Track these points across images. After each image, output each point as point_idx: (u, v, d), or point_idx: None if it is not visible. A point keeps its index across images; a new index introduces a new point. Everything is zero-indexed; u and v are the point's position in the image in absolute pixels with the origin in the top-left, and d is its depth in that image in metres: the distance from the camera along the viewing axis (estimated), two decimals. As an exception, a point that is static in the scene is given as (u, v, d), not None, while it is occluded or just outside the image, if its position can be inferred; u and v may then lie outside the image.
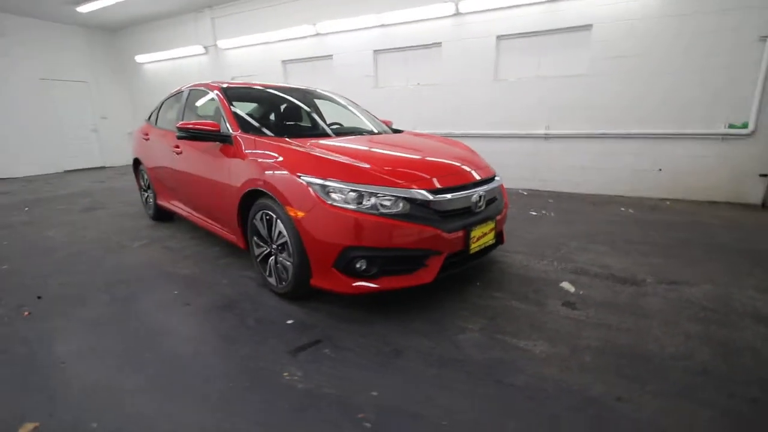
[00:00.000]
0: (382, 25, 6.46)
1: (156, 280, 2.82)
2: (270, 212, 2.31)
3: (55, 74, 8.84)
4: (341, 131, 3.22)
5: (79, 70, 9.29)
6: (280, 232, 2.27)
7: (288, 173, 2.16)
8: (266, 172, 2.30)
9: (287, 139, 2.56)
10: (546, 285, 2.63)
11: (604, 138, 5.36)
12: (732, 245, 3.35)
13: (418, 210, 2.09)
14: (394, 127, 3.70)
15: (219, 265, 3.07)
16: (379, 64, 6.78)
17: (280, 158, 2.27)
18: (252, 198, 2.50)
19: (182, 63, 9.02)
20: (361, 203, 2.02)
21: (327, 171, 2.11)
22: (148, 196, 4.37)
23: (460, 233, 2.18)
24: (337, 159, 2.20)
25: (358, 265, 2.03)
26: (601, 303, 2.37)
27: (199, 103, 3.47)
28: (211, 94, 3.19)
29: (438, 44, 6.17)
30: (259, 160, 2.39)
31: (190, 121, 2.76)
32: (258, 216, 2.43)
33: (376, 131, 3.32)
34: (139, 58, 9.51)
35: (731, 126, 4.70)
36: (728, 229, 3.81)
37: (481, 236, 2.34)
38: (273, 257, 2.43)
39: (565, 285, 2.63)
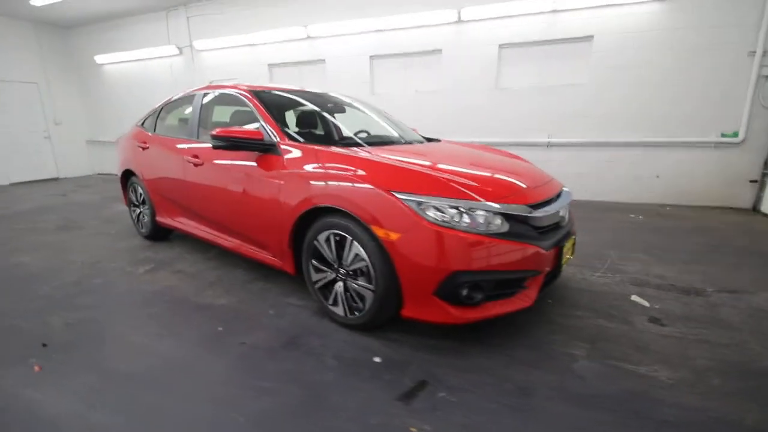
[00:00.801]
0: (379, 30, 6.27)
1: (189, 313, 2.41)
2: (342, 233, 2.03)
3: (-2, 74, 7.79)
4: (382, 140, 2.96)
5: (27, 69, 8.25)
6: (356, 255, 2.00)
7: (374, 188, 1.90)
8: (340, 187, 2.02)
9: (356, 148, 2.31)
10: (617, 299, 2.54)
11: (604, 146, 5.50)
12: (755, 249, 3.49)
13: (517, 227, 1.91)
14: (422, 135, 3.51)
15: (254, 292, 2.70)
16: (376, 71, 6.58)
17: (360, 171, 2.00)
18: (310, 217, 2.20)
19: (151, 65, 8.29)
20: (465, 221, 1.81)
21: (424, 186, 1.88)
22: (141, 212, 3.85)
23: (554, 250, 2.02)
24: (430, 173, 1.97)
25: (464, 292, 1.80)
26: (683, 317, 2.31)
27: (220, 107, 3.08)
28: (237, 98, 2.84)
29: (438, 51, 6.09)
30: (329, 173, 2.10)
31: (231, 129, 2.41)
32: (322, 237, 2.13)
33: (417, 140, 3.12)
34: (100, 59, 8.62)
35: (723, 135, 4.98)
36: (740, 233, 3.99)
37: (567, 252, 2.20)
38: (340, 284, 2.14)
39: (636, 299, 2.56)
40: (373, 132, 3.32)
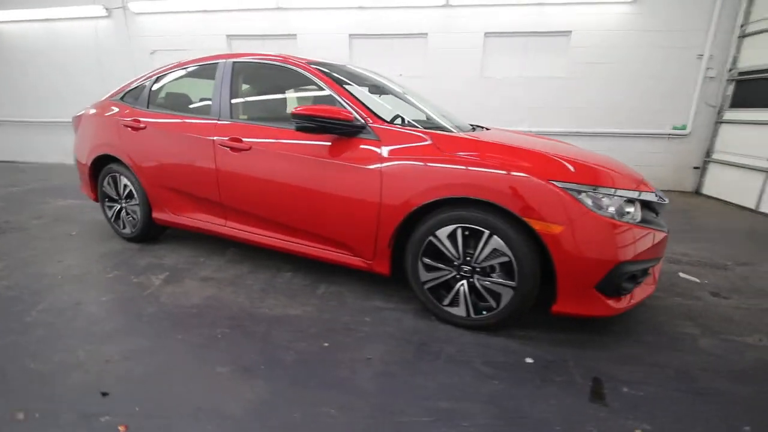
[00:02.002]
0: (361, 8, 5.90)
1: (268, 330, 2.00)
2: (475, 226, 1.83)
3: None
4: (437, 127, 2.72)
5: None
6: (494, 251, 1.82)
7: (530, 177, 1.73)
8: (483, 175, 1.80)
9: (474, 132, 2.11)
10: (669, 277, 2.74)
11: (579, 136, 5.93)
12: (725, 227, 4.08)
13: (646, 214, 1.92)
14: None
15: (324, 297, 2.35)
16: (356, 51, 6.19)
17: (506, 158, 1.81)
18: (421, 211, 1.95)
19: (64, 27, 6.73)
20: (623, 210, 1.75)
21: (577, 175, 1.76)
22: (125, 209, 3.11)
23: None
24: (577, 160, 1.85)
25: (623, 283, 1.76)
26: (732, 289, 2.57)
27: (258, 81, 2.58)
28: (292, 71, 2.40)
29: (424, 35, 5.93)
30: (461, 159, 1.86)
31: (315, 107, 2.01)
32: (444, 233, 1.90)
33: (467, 128, 2.95)
34: (-15, 14, 6.76)
35: (674, 128, 5.71)
36: (707, 214, 4.63)
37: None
38: (464, 282, 1.94)
39: (684, 275, 2.79)
40: (414, 116, 3.08)
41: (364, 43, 6.14)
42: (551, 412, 1.48)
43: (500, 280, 1.85)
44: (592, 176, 1.78)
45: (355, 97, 2.21)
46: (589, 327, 2.04)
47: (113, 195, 3.15)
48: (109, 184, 3.13)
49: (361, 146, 2.07)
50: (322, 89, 2.29)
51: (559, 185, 1.70)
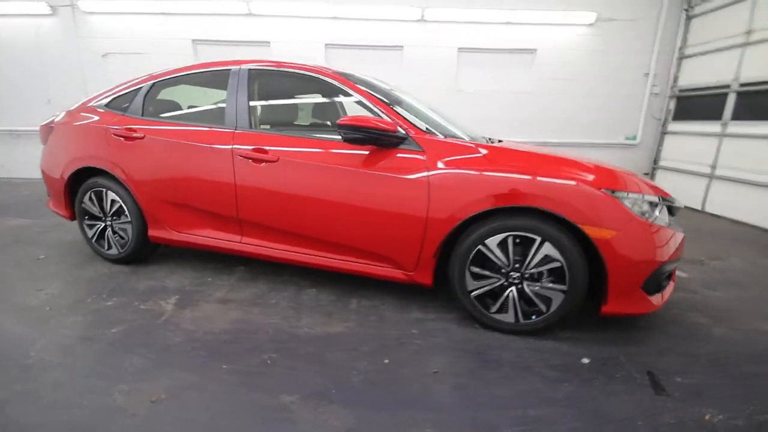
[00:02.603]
0: (336, 18, 5.87)
1: (316, 351, 1.89)
2: (527, 234, 1.89)
3: None
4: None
5: None
6: (546, 257, 1.89)
7: (582, 185, 1.82)
8: (537, 184, 1.86)
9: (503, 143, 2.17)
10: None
11: (544, 146, 6.35)
12: (685, 226, 4.57)
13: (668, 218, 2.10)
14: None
15: (362, 312, 2.28)
16: (331, 61, 6.14)
17: (554, 167, 1.89)
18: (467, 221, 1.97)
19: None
20: (655, 215, 1.90)
21: (619, 182, 1.89)
22: (111, 228, 2.79)
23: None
24: (613, 170, 1.98)
25: (662, 282, 1.90)
26: (718, 282, 2.88)
27: (288, 90, 2.52)
28: (319, 80, 2.34)
29: (399, 47, 6.04)
30: (515, 168, 1.92)
31: (361, 117, 1.96)
32: (494, 241, 1.94)
33: (483, 138, 3.04)
34: None
35: (627, 138, 6.33)
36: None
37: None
38: (513, 289, 1.99)
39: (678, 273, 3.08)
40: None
41: (340, 53, 6.11)
42: (627, 408, 1.55)
43: (552, 285, 1.92)
44: (631, 184, 1.92)
45: (393, 109, 2.19)
46: (620, 325, 2.18)
47: (96, 212, 2.81)
48: (91, 200, 2.79)
49: (404, 157, 2.05)
50: (358, 100, 2.25)
51: (609, 193, 1.82)
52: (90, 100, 2.91)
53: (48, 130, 2.95)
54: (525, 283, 1.97)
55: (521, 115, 6.20)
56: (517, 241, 1.92)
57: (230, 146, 2.34)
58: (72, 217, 2.97)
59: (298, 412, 1.49)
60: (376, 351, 1.90)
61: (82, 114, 2.84)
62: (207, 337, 1.98)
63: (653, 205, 1.93)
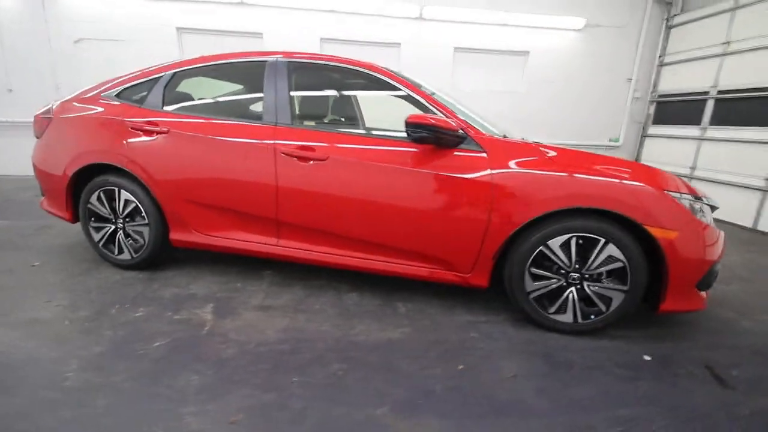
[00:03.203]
0: (333, 11, 5.72)
1: (384, 358, 1.81)
2: (591, 235, 1.90)
3: None
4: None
5: None
6: (609, 257, 1.91)
7: (648, 187, 1.86)
8: (606, 186, 1.89)
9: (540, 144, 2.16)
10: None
11: (536, 146, 6.54)
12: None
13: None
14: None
15: (412, 316, 2.21)
16: (327, 55, 5.97)
17: (615, 168, 1.92)
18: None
19: (-56, -2, 5.28)
20: (705, 216, 1.98)
21: (673, 184, 1.95)
22: (121, 229, 2.54)
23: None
24: (662, 171, 2.04)
25: (713, 279, 1.99)
26: (726, 278, 3.07)
27: (333, 85, 2.42)
28: (367, 75, 2.26)
29: (397, 45, 5.98)
30: (580, 169, 1.94)
31: (428, 116, 1.91)
32: (556, 243, 1.94)
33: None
34: None
35: (611, 140, 6.64)
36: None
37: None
38: (572, 290, 2.00)
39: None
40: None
41: (335, 47, 5.95)
42: (704, 403, 1.61)
43: (612, 285, 1.95)
44: (682, 185, 1.99)
45: (450, 108, 2.15)
46: (663, 322, 2.26)
47: (105, 214, 2.55)
48: (99, 200, 2.53)
49: (465, 156, 2.02)
50: (413, 98, 2.19)
51: (672, 194, 1.87)
52: (92, 90, 2.64)
53: (44, 121, 2.64)
54: (585, 284, 1.99)
55: (515, 116, 6.32)
56: (580, 242, 1.94)
57: (272, 142, 2.19)
58: (73, 220, 2.68)
59: (395, 426, 1.41)
60: (445, 357, 1.84)
61: (87, 105, 2.56)
62: (262, 348, 1.84)
63: (702, 205, 2.01)
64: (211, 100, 2.57)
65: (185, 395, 1.51)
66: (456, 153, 2.03)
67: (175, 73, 2.49)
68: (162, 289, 2.40)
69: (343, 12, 5.72)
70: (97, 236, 2.61)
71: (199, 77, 2.53)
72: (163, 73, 2.50)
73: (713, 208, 2.17)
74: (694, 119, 5.46)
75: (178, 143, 2.34)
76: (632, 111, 6.48)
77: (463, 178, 1.99)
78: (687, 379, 1.76)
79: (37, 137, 2.70)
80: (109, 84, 2.60)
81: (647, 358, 1.91)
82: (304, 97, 2.52)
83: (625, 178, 1.90)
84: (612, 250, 1.90)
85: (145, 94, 2.50)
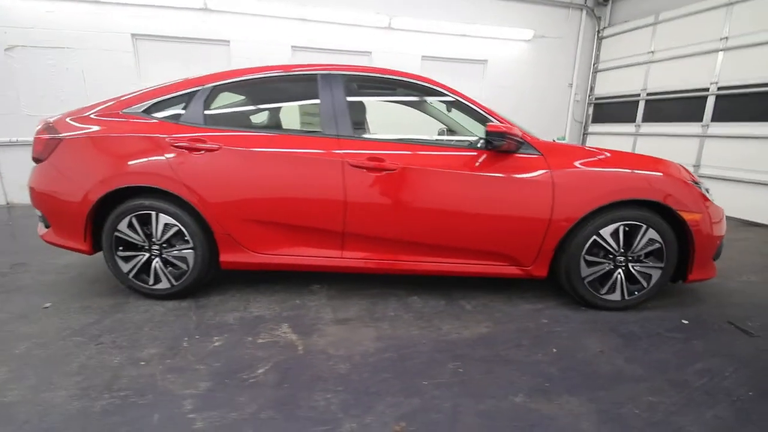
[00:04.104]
0: (304, 20, 5.66)
1: (489, 352, 1.94)
2: (636, 222, 2.23)
3: None
4: None
5: None
6: (650, 240, 2.26)
7: (675, 178, 2.24)
8: (644, 178, 2.23)
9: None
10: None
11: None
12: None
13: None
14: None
15: (482, 311, 2.37)
16: (299, 64, 5.87)
17: (644, 163, 2.29)
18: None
19: None
20: (712, 197, 2.42)
21: (684, 173, 2.35)
22: (157, 257, 2.33)
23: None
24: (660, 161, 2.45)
25: (720, 251, 2.43)
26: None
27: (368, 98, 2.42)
28: (423, 87, 2.43)
29: (368, 53, 6.09)
30: (619, 164, 2.26)
31: (503, 125, 2.08)
32: (607, 231, 2.24)
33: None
34: None
35: (558, 138, 7.39)
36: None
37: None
38: (620, 271, 2.32)
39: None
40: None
41: (306, 55, 5.89)
42: (746, 349, 1.99)
43: (652, 263, 2.30)
44: (692, 174, 2.41)
45: (502, 116, 2.34)
46: (673, 293, 2.67)
47: (138, 241, 2.32)
48: (130, 226, 2.29)
49: (527, 159, 2.23)
50: (466, 106, 2.35)
51: (691, 182, 2.27)
52: (105, 106, 2.39)
53: (51, 142, 2.32)
54: (630, 265, 2.31)
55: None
56: (626, 229, 2.26)
57: (339, 152, 2.20)
58: (91, 251, 2.39)
59: (542, 408, 1.55)
60: (537, 343, 2.03)
61: (109, 122, 2.31)
62: (371, 359, 1.86)
63: (706, 188, 2.45)
64: (258, 114, 2.48)
65: (335, 414, 1.50)
66: (518, 156, 2.23)
67: (214, 86, 2.36)
68: (220, 315, 2.26)
69: (314, 21, 5.69)
70: (126, 266, 2.36)
71: (238, 90, 2.43)
72: (199, 87, 2.35)
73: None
74: (629, 117, 6.37)
75: (232, 160, 2.23)
76: (574, 112, 7.33)
77: (528, 178, 2.21)
78: (722, 334, 2.15)
79: (39, 160, 2.36)
80: (129, 99, 2.37)
81: (685, 322, 2.28)
82: (360, 108, 2.54)
83: (664, 172, 2.26)
84: (652, 234, 2.25)
85: (180, 109, 2.34)
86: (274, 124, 2.60)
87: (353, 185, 2.21)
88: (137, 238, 2.32)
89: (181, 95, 2.36)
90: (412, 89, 2.57)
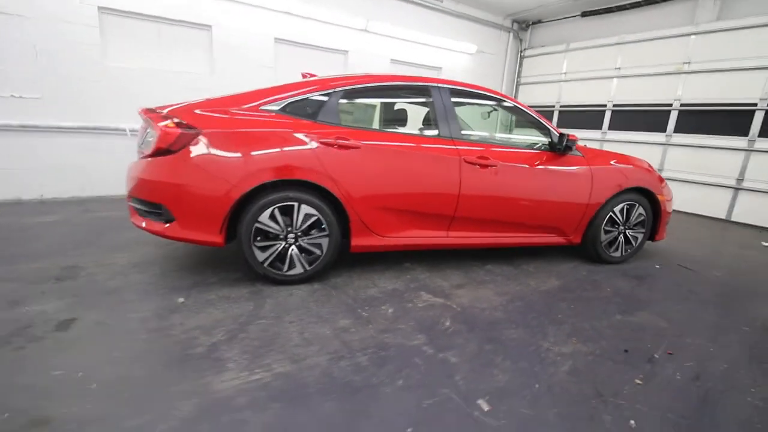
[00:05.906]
0: (289, 13, 5.70)
1: (595, 294, 2.76)
2: (634, 202, 3.31)
3: None
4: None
5: None
6: (640, 214, 3.37)
7: (650, 170, 3.39)
8: (638, 171, 3.30)
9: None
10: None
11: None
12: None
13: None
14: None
15: (542, 271, 3.18)
16: (280, 57, 5.87)
17: (632, 161, 3.38)
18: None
19: None
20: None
21: (644, 163, 3.55)
22: (292, 245, 2.54)
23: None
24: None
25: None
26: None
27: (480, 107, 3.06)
28: (497, 99, 3.08)
29: (345, 52, 6.40)
30: (623, 162, 3.28)
31: (570, 134, 2.88)
32: (618, 208, 3.27)
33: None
34: None
35: (490, 138, 8.84)
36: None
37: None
38: (622, 236, 3.39)
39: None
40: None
41: (288, 48, 5.93)
42: (701, 279, 3.22)
43: (641, 230, 3.43)
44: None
45: (553, 124, 3.18)
46: (644, 252, 3.93)
47: (277, 231, 2.49)
48: (272, 217, 2.46)
49: (575, 158, 3.11)
50: (532, 119, 3.10)
51: (657, 171, 3.45)
52: (243, 101, 2.48)
53: (187, 136, 2.30)
54: (628, 231, 3.41)
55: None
56: (627, 207, 3.32)
57: (456, 151, 2.74)
58: (223, 244, 2.46)
59: (634, 321, 2.42)
60: (597, 287, 2.92)
61: (251, 118, 2.41)
62: (510, 306, 2.49)
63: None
64: (383, 117, 2.81)
65: (531, 340, 2.12)
66: (570, 156, 3.09)
67: (347, 90, 2.64)
68: (362, 291, 2.60)
69: (298, 15, 5.76)
70: (262, 255, 2.50)
71: (366, 95, 2.76)
72: (333, 89, 2.61)
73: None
74: (547, 124, 8.02)
75: (371, 157, 2.57)
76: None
77: (578, 172, 3.09)
78: (682, 272, 3.37)
79: (167, 152, 2.31)
80: (266, 97, 2.50)
81: (657, 266, 3.48)
82: (463, 118, 3.06)
83: (647, 167, 3.39)
84: (641, 210, 3.37)
85: (315, 109, 2.56)
86: (397, 125, 3.01)
87: (466, 177, 2.78)
88: (277, 228, 2.48)
89: (314, 96, 2.58)
90: (490, 100, 3.18)
